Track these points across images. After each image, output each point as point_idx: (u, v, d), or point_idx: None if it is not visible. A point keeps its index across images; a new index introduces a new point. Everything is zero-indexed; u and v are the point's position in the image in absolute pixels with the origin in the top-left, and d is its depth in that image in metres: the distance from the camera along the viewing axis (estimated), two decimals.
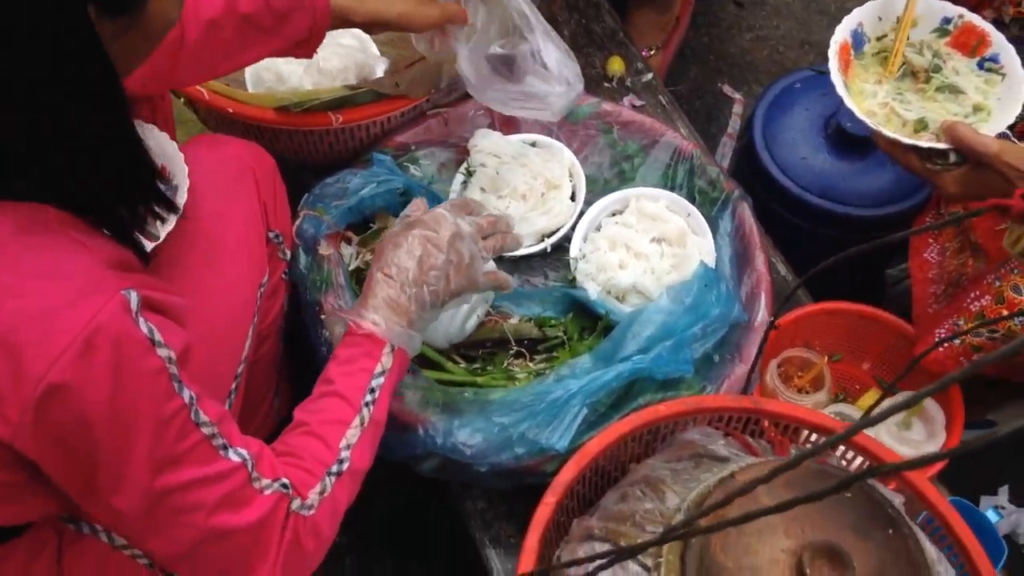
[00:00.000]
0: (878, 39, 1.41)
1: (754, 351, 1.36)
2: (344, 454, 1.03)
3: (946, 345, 1.35)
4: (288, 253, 1.36)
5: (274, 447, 1.01)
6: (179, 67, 1.20)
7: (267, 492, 0.94)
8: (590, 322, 1.43)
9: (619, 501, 1.10)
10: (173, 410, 0.85)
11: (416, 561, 1.65)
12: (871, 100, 1.37)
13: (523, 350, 1.40)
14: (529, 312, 1.44)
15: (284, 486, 0.96)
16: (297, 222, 1.40)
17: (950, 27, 1.39)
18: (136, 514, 0.87)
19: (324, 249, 1.38)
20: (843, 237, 1.68)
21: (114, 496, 0.85)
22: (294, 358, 1.51)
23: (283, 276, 1.36)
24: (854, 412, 1.42)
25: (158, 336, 0.83)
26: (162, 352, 0.83)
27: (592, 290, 1.40)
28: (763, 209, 1.62)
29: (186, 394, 0.86)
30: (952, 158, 1.28)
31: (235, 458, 0.91)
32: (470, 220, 1.20)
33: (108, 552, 1.05)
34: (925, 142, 1.28)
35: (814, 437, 1.23)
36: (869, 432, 1.40)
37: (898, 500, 1.07)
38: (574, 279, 1.44)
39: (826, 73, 1.76)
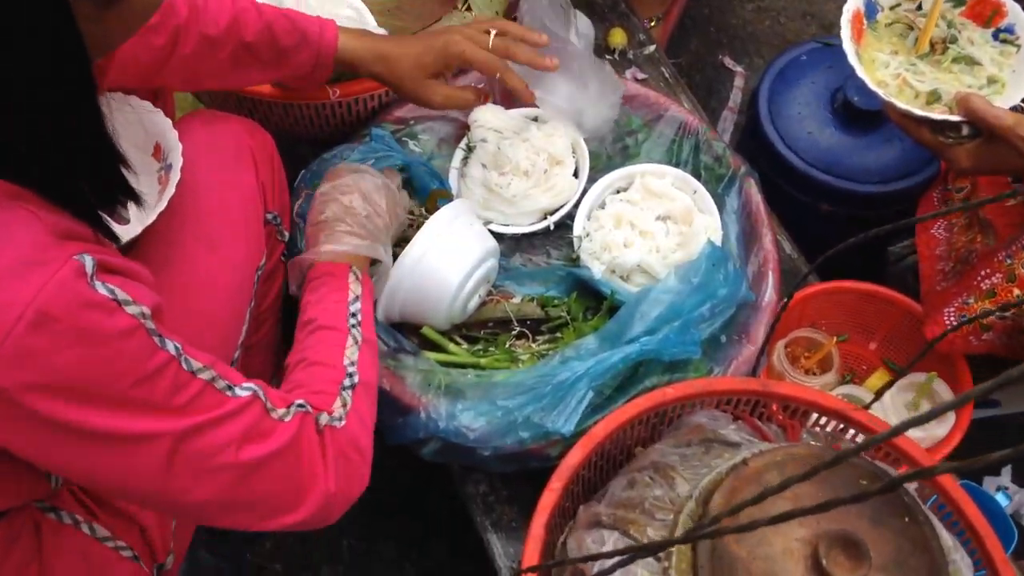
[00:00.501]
0: (891, 8, 1.37)
1: (762, 331, 1.33)
2: (351, 369, 1.03)
3: (954, 322, 1.33)
4: (287, 234, 1.32)
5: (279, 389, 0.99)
6: (164, 72, 1.18)
7: (288, 419, 0.91)
8: (594, 302, 1.40)
9: (627, 487, 1.08)
10: (159, 364, 0.82)
11: (417, 544, 1.63)
12: (883, 71, 1.33)
13: (526, 331, 1.37)
14: (532, 292, 1.41)
15: (301, 406, 0.94)
16: (297, 202, 1.36)
17: None
18: (159, 474, 0.84)
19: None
20: (849, 213, 1.65)
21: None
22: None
23: (282, 258, 1.32)
24: (863, 393, 1.39)
25: (122, 295, 0.79)
26: (132, 309, 0.80)
27: (596, 269, 1.37)
28: (768, 185, 1.58)
29: (170, 346, 0.83)
30: (965, 131, 1.25)
31: (244, 394, 0.89)
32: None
33: (90, 543, 1.02)
34: (938, 114, 1.25)
35: (823, 420, 1.21)
36: (878, 412, 1.38)
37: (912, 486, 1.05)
38: (577, 258, 1.41)
39: (833, 45, 1.75)
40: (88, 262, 0.77)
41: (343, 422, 0.97)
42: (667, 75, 1.75)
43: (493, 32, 1.33)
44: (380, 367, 1.27)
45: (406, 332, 1.35)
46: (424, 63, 1.29)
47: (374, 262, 1.19)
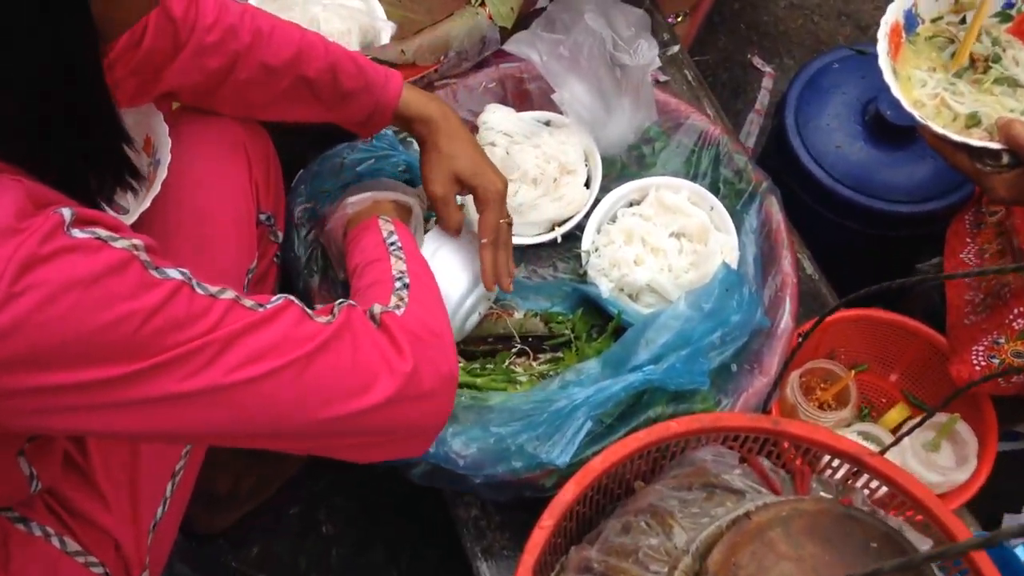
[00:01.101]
0: (933, 21, 1.28)
1: (775, 361, 1.26)
2: (399, 276, 1.01)
3: (983, 363, 1.25)
4: (280, 235, 1.26)
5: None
6: (216, 96, 1.14)
7: (332, 320, 0.86)
8: (601, 320, 1.33)
9: (621, 532, 1.01)
10: (167, 293, 0.75)
11: (408, 550, 1.58)
12: (920, 90, 1.25)
13: (527, 348, 1.30)
14: (535, 306, 1.35)
15: (340, 304, 0.89)
16: (292, 201, 1.30)
17: (1013, 12, 1.27)
18: (218, 400, 0.78)
19: (321, 233, 1.28)
20: (876, 233, 1.56)
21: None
22: None
23: (274, 259, 1.26)
24: (881, 433, 1.32)
25: (105, 232, 0.74)
26: (120, 244, 0.74)
27: (604, 287, 1.30)
28: (790, 199, 1.50)
29: (174, 273, 0.77)
30: (1005, 159, 1.16)
31: (274, 304, 0.83)
32: None
33: (60, 558, 0.97)
34: (977, 140, 1.17)
35: (836, 463, 1.14)
36: (894, 452, 1.31)
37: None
38: (585, 273, 1.34)
39: (867, 54, 1.65)
40: (66, 213, 0.72)
41: (401, 310, 0.94)
42: (690, 78, 1.67)
43: (508, 224, 1.24)
44: None
45: None
46: (465, 164, 1.20)
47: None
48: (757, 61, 2.19)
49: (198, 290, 0.78)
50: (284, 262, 1.29)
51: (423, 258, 1.10)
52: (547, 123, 1.43)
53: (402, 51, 1.34)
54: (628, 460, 1.10)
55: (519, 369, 1.29)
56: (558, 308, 1.34)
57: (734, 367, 1.25)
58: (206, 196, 1.11)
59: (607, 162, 1.44)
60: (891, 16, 1.24)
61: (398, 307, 0.94)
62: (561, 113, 1.43)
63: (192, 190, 1.10)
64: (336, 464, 1.39)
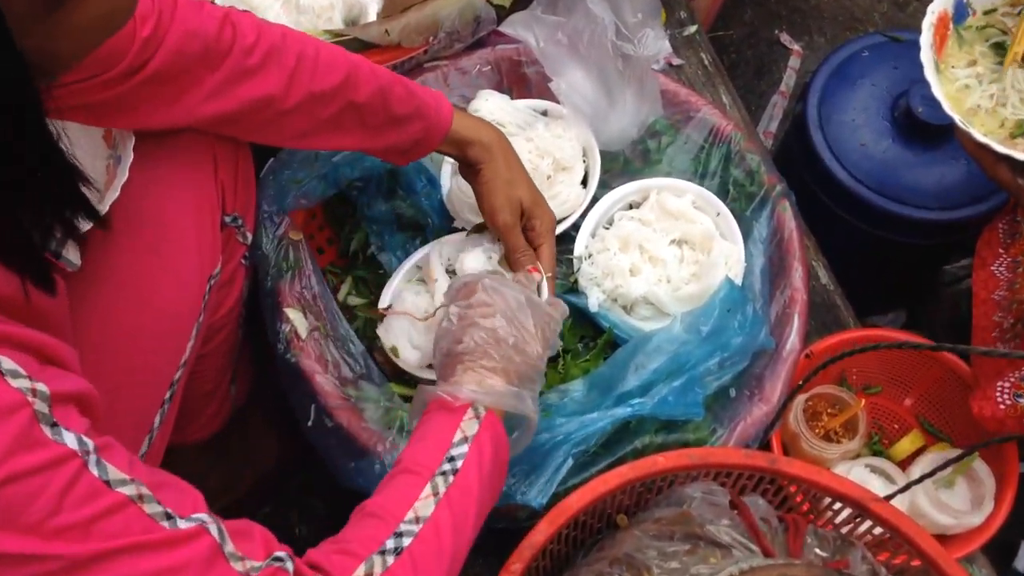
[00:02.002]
0: (986, 13, 1.16)
1: (778, 387, 1.16)
2: (408, 526, 0.80)
3: (1008, 402, 1.14)
4: (249, 236, 1.16)
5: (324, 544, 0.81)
6: (244, 125, 1.02)
7: (256, 572, 0.72)
8: (592, 331, 1.23)
9: None
10: (49, 460, 0.63)
11: None
12: (963, 90, 1.13)
13: None
14: None
15: (279, 560, 0.74)
16: (260, 194, 1.20)
17: None
18: None
19: (294, 233, 1.19)
20: (900, 240, 1.45)
21: None
22: (257, 340, 1.33)
23: (242, 261, 1.17)
24: (892, 469, 1.21)
25: (9, 364, 0.63)
26: (18, 383, 0.63)
27: (595, 299, 1.20)
28: (808, 198, 1.39)
29: (71, 440, 0.65)
30: None
31: (187, 526, 0.68)
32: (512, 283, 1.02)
33: None
34: (1022, 153, 1.05)
35: (837, 506, 1.04)
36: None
37: None
38: (576, 281, 1.23)
39: (902, 41, 1.52)
40: None
41: None
42: (707, 62, 1.54)
43: (549, 256, 1.14)
44: (339, 398, 1.12)
45: (379, 358, 1.20)
46: (526, 192, 1.12)
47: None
48: (785, 38, 2.05)
49: (93, 470, 0.65)
50: (252, 261, 1.19)
51: (472, 486, 0.86)
52: (544, 113, 1.31)
53: (386, 31, 1.23)
54: (611, 496, 1.01)
55: None
56: None
57: (732, 392, 1.15)
58: (164, 198, 1.02)
59: (608, 156, 1.32)
60: (939, 4, 1.12)
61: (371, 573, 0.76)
62: (560, 103, 1.31)
63: (149, 191, 0.99)
64: (311, 463, 1.32)
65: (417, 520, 0.81)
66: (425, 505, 0.82)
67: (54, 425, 0.64)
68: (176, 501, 0.70)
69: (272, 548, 0.75)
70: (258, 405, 1.44)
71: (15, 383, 0.63)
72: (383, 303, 1.22)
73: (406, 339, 1.17)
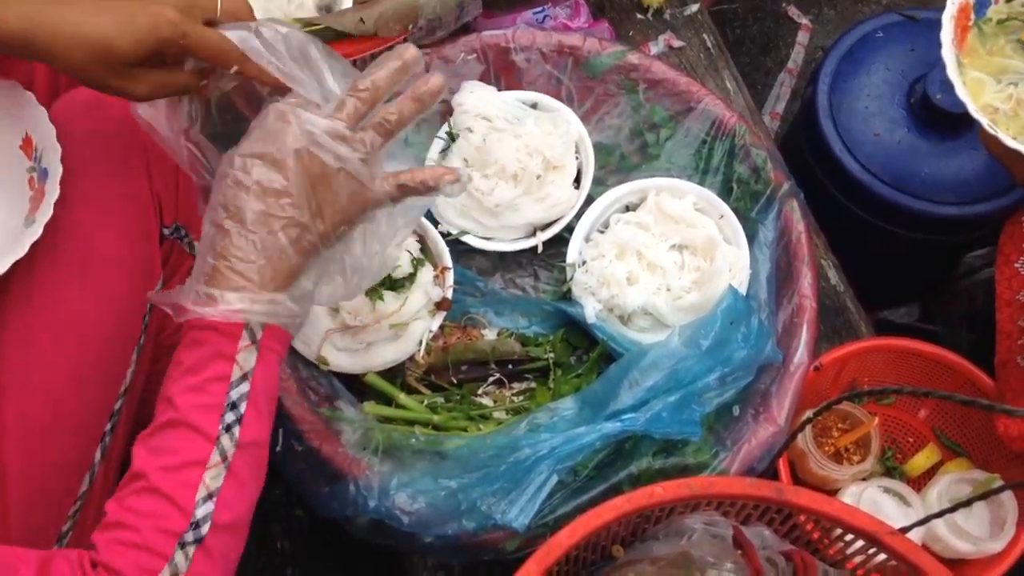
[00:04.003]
0: (1008, 1, 1.06)
1: (786, 404, 1.08)
2: (201, 511, 0.74)
3: None
4: (196, 246, 1.08)
5: (105, 512, 0.75)
6: None
7: None
8: (585, 343, 1.15)
9: None
10: None
11: (370, 570, 1.45)
12: (989, 89, 1.04)
13: (503, 377, 1.12)
14: (512, 324, 1.16)
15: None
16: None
17: None
18: None
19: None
20: (916, 237, 1.36)
21: None
22: None
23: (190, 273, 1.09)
24: (907, 492, 1.14)
25: None
26: None
27: (590, 309, 1.11)
28: (817, 191, 1.30)
29: None
30: None
31: None
32: (329, 108, 0.80)
33: None
34: None
35: (849, 537, 0.97)
36: (920, 511, 1.13)
37: None
38: (569, 290, 1.15)
39: (918, 20, 1.42)
40: None
41: None
42: (709, 44, 1.44)
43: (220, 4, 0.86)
44: (311, 419, 1.05)
45: (347, 379, 1.12)
46: (115, 55, 0.80)
47: None
48: (793, 11, 1.94)
49: None
50: None
51: (262, 424, 0.79)
52: (533, 105, 1.22)
53: (361, 19, 1.14)
54: (605, 529, 0.94)
55: (488, 400, 1.12)
56: (537, 328, 1.16)
57: (736, 410, 1.07)
58: (90, 215, 0.93)
59: (604, 151, 1.23)
60: None
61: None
62: (552, 95, 1.22)
63: (72, 210, 0.90)
64: None
65: (210, 497, 0.74)
66: (215, 475, 0.75)
67: None
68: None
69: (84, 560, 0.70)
70: None
71: None
72: None
73: (329, 343, 1.09)
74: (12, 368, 0.88)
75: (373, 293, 1.07)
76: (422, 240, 1.15)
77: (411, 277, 1.10)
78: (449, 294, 1.12)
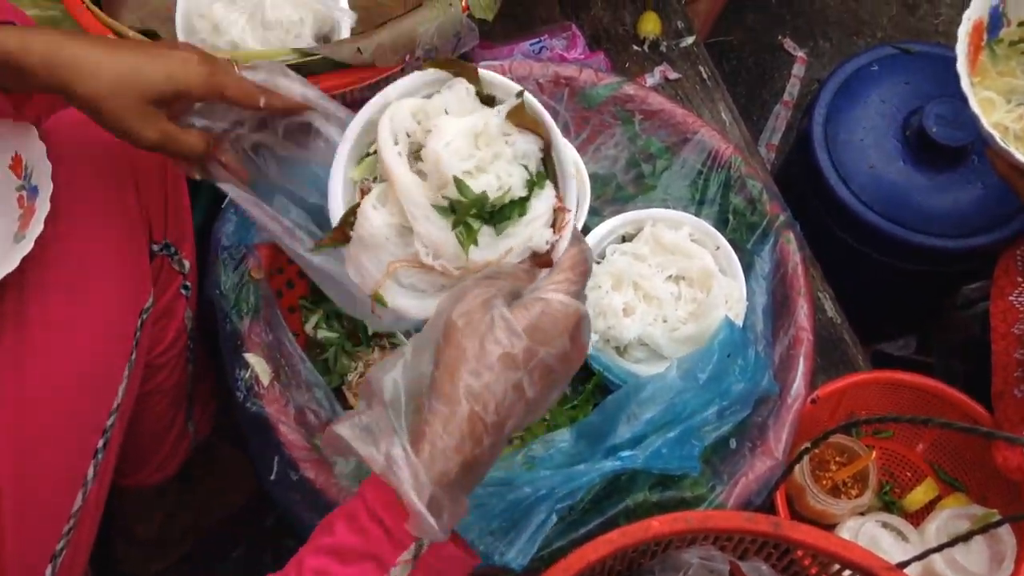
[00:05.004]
0: (1020, 24, 1.07)
1: (783, 437, 1.07)
2: None
3: None
4: (186, 264, 1.08)
5: None
6: None
7: None
8: (581, 372, 1.14)
9: None
10: None
11: None
12: (1000, 109, 1.04)
13: None
14: None
15: None
16: (219, 228, 1.11)
17: None
18: None
19: (256, 272, 1.10)
20: (911, 269, 1.36)
21: None
22: (221, 370, 1.24)
23: (181, 291, 1.09)
24: (905, 527, 1.13)
25: None
26: None
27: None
28: (812, 222, 1.30)
29: None
30: None
31: None
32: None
33: None
34: None
35: (846, 573, 0.96)
36: (918, 546, 1.12)
37: None
38: None
39: (913, 53, 1.43)
40: None
41: None
42: (705, 75, 1.45)
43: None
44: (306, 450, 1.04)
45: (348, 396, 1.12)
46: (143, 80, 0.80)
47: None
48: (788, 44, 1.95)
49: None
50: (209, 300, 1.10)
51: None
52: None
53: (359, 49, 1.14)
54: (599, 563, 0.93)
55: None
56: None
57: (733, 443, 1.06)
58: (78, 233, 0.93)
59: (600, 181, 1.24)
60: (975, 11, 1.04)
61: None
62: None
63: (61, 226, 0.90)
64: None
65: None
66: None
67: None
68: None
69: None
70: (226, 437, 1.36)
71: None
72: (335, 212, 0.76)
73: (393, 280, 0.74)
74: (4, 384, 0.88)
75: (466, 229, 0.70)
76: (545, 150, 0.73)
77: (521, 204, 0.71)
78: (562, 247, 0.72)
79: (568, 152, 0.74)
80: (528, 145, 0.72)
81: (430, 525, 0.63)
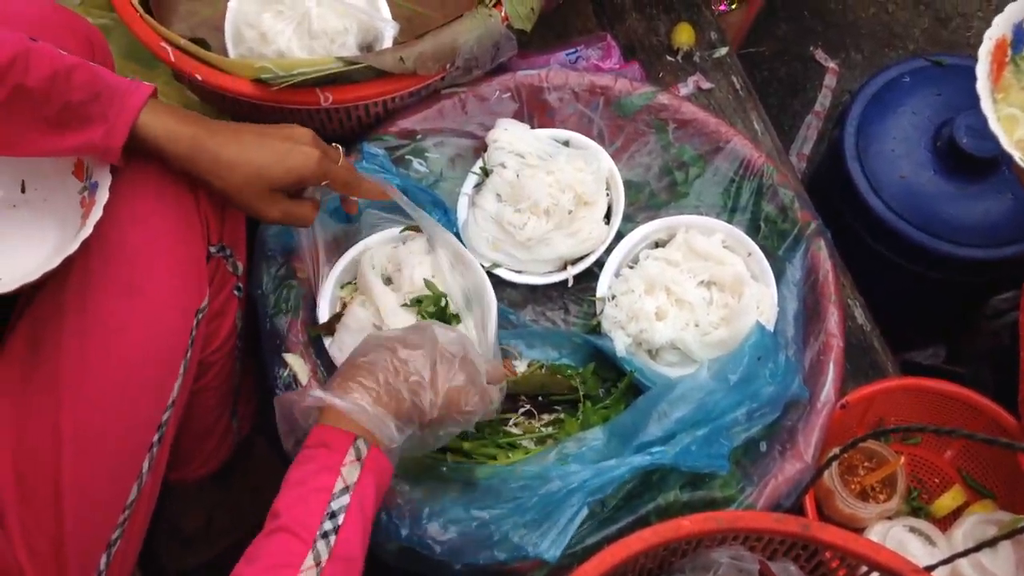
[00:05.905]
0: None
1: (813, 441, 1.09)
2: None
3: None
4: (240, 266, 1.11)
5: None
6: None
7: None
8: (614, 375, 1.17)
9: None
10: None
11: None
12: (1010, 121, 1.05)
13: (533, 409, 1.14)
14: (543, 356, 1.18)
15: None
16: (264, 229, 1.15)
17: None
18: None
19: (301, 271, 1.14)
20: (942, 278, 1.37)
21: None
22: (261, 368, 1.28)
23: (234, 292, 1.12)
24: (933, 531, 1.14)
25: None
26: None
27: (620, 342, 1.13)
28: (843, 231, 1.32)
29: None
30: None
31: None
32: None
33: None
34: None
35: (874, 575, 0.97)
36: (945, 550, 1.13)
37: None
38: (599, 324, 1.17)
39: (944, 65, 1.44)
40: None
41: None
42: (738, 86, 1.47)
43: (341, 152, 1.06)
44: None
45: None
46: (269, 175, 0.98)
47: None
48: (820, 55, 1.97)
49: None
50: (251, 299, 1.14)
51: (358, 538, 0.82)
52: (566, 143, 1.25)
53: (401, 59, 1.17)
54: (631, 560, 0.95)
55: (517, 430, 1.13)
56: (567, 360, 1.18)
57: (763, 446, 1.08)
58: (140, 234, 0.97)
59: (633, 189, 1.26)
60: (998, 30, 1.04)
61: None
62: (584, 133, 1.25)
63: (124, 227, 0.95)
64: None
65: None
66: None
67: None
68: None
69: None
70: (263, 435, 1.40)
71: None
72: (323, 315, 1.14)
73: None
74: (68, 378, 0.92)
75: (424, 315, 1.12)
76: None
77: (458, 318, 1.13)
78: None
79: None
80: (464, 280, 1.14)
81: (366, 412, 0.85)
